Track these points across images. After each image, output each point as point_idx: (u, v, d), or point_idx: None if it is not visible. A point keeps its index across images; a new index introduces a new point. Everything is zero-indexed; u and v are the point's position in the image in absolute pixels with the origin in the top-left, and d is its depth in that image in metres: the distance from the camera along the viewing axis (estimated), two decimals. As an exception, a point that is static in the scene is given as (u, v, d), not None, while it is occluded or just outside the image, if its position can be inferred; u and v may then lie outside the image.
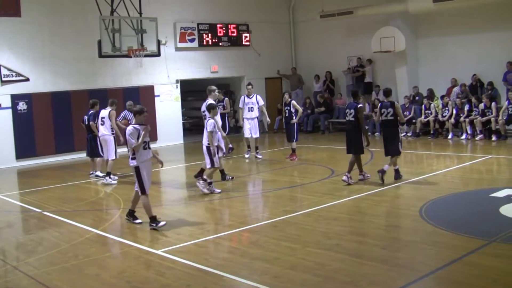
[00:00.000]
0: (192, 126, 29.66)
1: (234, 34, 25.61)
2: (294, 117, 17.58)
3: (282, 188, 13.77)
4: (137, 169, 10.32)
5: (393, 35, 22.49)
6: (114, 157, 15.71)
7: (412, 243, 9.04)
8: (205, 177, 13.36)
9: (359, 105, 13.71)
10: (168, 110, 23.63)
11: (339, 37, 26.26)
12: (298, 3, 28.11)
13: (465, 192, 12.28)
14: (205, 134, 13.17)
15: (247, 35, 26.02)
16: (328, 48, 26.71)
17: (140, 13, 18.13)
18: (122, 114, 17.42)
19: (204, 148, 13.23)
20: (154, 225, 10.33)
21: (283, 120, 18.58)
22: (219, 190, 13.32)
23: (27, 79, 19.48)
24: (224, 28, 25.21)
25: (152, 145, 20.91)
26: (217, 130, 13.33)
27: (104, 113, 15.88)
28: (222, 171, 14.94)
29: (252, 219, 11.12)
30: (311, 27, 27.19)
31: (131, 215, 10.95)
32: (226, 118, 19.04)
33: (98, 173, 16.48)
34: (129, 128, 10.36)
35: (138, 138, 10.18)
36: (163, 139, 23.24)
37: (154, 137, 22.66)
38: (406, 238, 9.36)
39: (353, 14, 24.06)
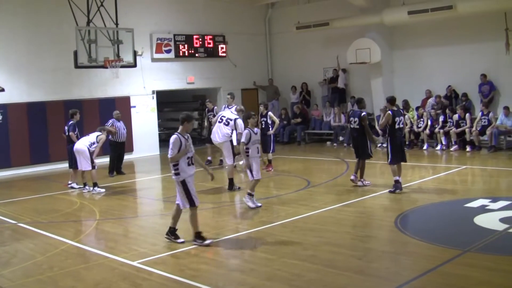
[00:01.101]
0: (168, 137, 29.59)
1: (211, 45, 25.64)
2: (270, 129, 17.65)
3: (258, 199, 13.76)
4: (183, 182, 9.79)
5: (368, 46, 22.67)
6: (90, 168, 15.61)
7: (387, 254, 9.10)
8: (249, 190, 12.68)
9: (363, 113, 14.20)
10: (144, 121, 23.55)
11: (315, 48, 26.41)
12: (274, 15, 28.26)
13: (440, 203, 12.38)
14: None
15: (224, 46, 26.06)
16: (304, 59, 26.86)
17: (117, 24, 18.10)
18: (110, 121, 17.98)
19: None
20: (200, 241, 9.83)
21: (260, 131, 18.51)
22: (260, 204, 12.75)
23: (2, 90, 19.29)
24: (200, 39, 25.24)
25: (127, 156, 21.15)
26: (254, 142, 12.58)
27: (93, 137, 15.94)
28: (231, 180, 15.22)
29: (228, 230, 11.11)
30: (287, 38, 27.34)
31: (173, 233, 10.17)
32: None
33: (74, 184, 16.38)
34: (173, 136, 9.94)
35: (179, 150, 9.78)
36: (139, 150, 23.16)
37: (130, 148, 22.59)
38: (382, 248, 9.41)
39: (329, 25, 24.20)
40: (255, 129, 12.62)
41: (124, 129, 18.51)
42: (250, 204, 12.59)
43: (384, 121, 13.58)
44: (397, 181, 13.34)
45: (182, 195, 9.86)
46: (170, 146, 9.85)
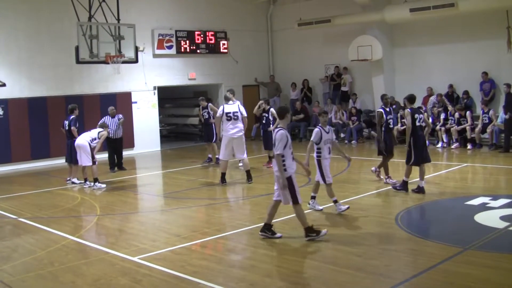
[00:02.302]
0: (170, 133, 29.67)
1: (212, 42, 25.64)
2: (271, 125, 17.63)
3: (259, 196, 13.79)
4: (289, 179, 9.60)
5: (370, 44, 22.67)
6: (90, 164, 15.62)
7: (388, 251, 9.09)
8: (335, 198, 11.63)
9: (378, 110, 14.00)
10: (146, 117, 23.57)
11: (316, 45, 26.40)
12: (276, 12, 28.25)
13: (440, 200, 12.38)
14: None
15: (225, 42, 26.07)
16: (305, 56, 26.85)
17: (118, 20, 18.09)
18: (103, 118, 17.98)
19: (315, 160, 11.71)
20: (314, 235, 9.56)
21: (261, 127, 18.50)
22: (321, 207, 11.86)
23: (4, 85, 19.26)
24: (202, 36, 25.24)
25: (128, 152, 21.16)
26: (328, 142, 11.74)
27: (95, 133, 15.99)
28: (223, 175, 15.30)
29: (229, 226, 11.12)
30: (289, 35, 27.33)
31: (269, 229, 9.91)
32: (213, 125, 19.09)
33: (75, 180, 16.40)
34: (280, 132, 9.59)
35: (285, 146, 9.58)
36: (140, 146, 23.18)
37: (131, 144, 22.61)
38: (382, 245, 9.40)
39: (330, 22, 24.20)
40: (327, 127, 11.73)
41: (115, 125, 18.28)
42: (342, 208, 11.50)
43: (409, 119, 12.92)
44: (405, 182, 13.06)
45: (286, 192, 9.65)
46: (277, 142, 9.56)
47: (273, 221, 10.05)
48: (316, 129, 11.62)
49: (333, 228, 10.47)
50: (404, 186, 13.09)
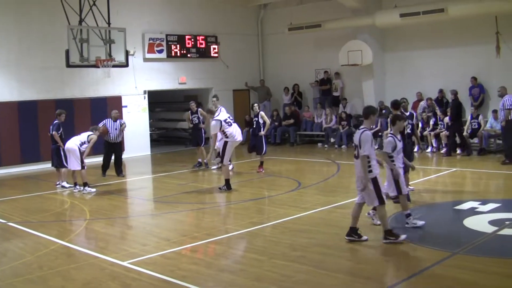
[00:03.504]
0: (160, 137, 29.65)
1: (203, 46, 25.64)
2: (262, 129, 17.64)
3: (249, 200, 13.80)
4: (375, 180, 9.44)
5: (360, 48, 22.72)
6: (79, 168, 15.58)
7: (377, 255, 9.13)
8: (408, 212, 10.75)
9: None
10: (136, 121, 23.49)
11: (307, 50, 26.44)
12: (267, 16, 28.29)
13: (430, 205, 12.43)
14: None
15: (216, 46, 26.07)
16: (296, 60, 26.88)
17: (109, 23, 18.05)
18: (103, 121, 17.85)
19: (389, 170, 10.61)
20: (393, 238, 9.40)
21: (251, 131, 18.46)
22: (422, 222, 10.49)
23: (-7, 88, 19.23)
24: (192, 40, 25.24)
25: (119, 156, 20.70)
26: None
27: (84, 137, 15.91)
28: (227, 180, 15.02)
29: (219, 230, 11.11)
30: (280, 39, 27.36)
31: (355, 233, 9.68)
32: (202, 130, 19.13)
33: (64, 183, 16.37)
34: (365, 133, 9.38)
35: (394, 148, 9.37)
36: (131, 150, 23.11)
37: (121, 148, 22.55)
38: (371, 250, 9.42)
39: (321, 27, 24.26)
40: (399, 136, 10.89)
41: (116, 129, 18.04)
42: (417, 222, 10.49)
43: (396, 128, 11.85)
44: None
45: (371, 193, 9.54)
46: (362, 143, 9.36)
47: (265, 224, 10.05)
48: (390, 138, 10.66)
49: (323, 232, 10.49)
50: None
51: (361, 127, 9.66)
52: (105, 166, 18.50)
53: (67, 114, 17.01)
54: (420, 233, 10.08)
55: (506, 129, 17.84)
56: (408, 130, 12.99)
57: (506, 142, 18.04)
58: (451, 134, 19.89)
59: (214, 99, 17.10)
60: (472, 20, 20.62)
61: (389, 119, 11.81)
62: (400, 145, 10.72)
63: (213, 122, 14.99)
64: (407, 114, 13.52)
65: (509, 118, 17.52)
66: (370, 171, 9.43)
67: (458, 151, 19.74)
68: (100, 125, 17.48)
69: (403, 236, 9.46)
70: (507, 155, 17.70)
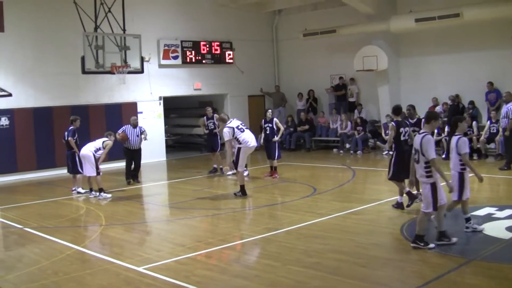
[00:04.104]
0: (175, 143, 29.70)
1: (218, 52, 25.69)
2: (276, 135, 17.65)
3: (264, 206, 13.79)
4: (434, 185, 9.30)
5: (375, 54, 22.68)
6: (94, 174, 15.61)
7: (392, 261, 9.08)
8: (468, 215, 10.54)
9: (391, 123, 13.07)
10: (151, 127, 23.49)
11: (322, 55, 26.42)
12: (282, 22, 28.30)
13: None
14: (454, 158, 10.31)
15: (231, 52, 26.11)
16: (311, 66, 26.86)
17: (124, 30, 18.14)
18: (123, 128, 17.77)
19: (456, 173, 10.26)
20: (422, 244, 9.34)
21: (264, 137, 18.36)
22: (482, 227, 10.38)
23: (10, 95, 19.30)
24: (207, 46, 25.30)
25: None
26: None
27: (99, 143, 15.90)
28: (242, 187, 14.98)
29: (233, 236, 11.11)
30: (294, 45, 27.36)
31: (421, 240, 9.43)
32: (218, 135, 19.16)
33: (80, 189, 16.43)
34: (427, 137, 9.29)
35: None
36: (146, 156, 22.95)
37: (136, 154, 22.63)
38: (386, 256, 9.39)
39: (336, 33, 24.25)
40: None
41: (137, 136, 17.92)
42: (477, 227, 10.37)
43: (391, 134, 12.48)
44: (406, 198, 12.42)
45: (428, 198, 9.41)
46: (427, 147, 9.25)
47: (280, 230, 10.01)
48: (465, 139, 10.26)
49: (338, 238, 10.45)
50: (399, 204, 12.46)
51: (422, 131, 9.62)
52: (128, 173, 18.25)
53: (82, 120, 17.08)
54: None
55: (509, 139, 17.74)
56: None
57: (509, 152, 17.94)
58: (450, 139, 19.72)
59: (223, 114, 17.11)
60: (487, 25, 20.52)
61: (422, 119, 11.45)
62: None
63: (225, 129, 14.94)
64: (414, 121, 13.45)
65: None
66: (430, 176, 9.33)
67: (475, 156, 19.60)
68: (120, 131, 17.44)
69: (432, 245, 9.37)
70: (507, 163, 17.58)
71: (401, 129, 12.31)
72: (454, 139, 10.09)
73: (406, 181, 12.08)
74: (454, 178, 10.24)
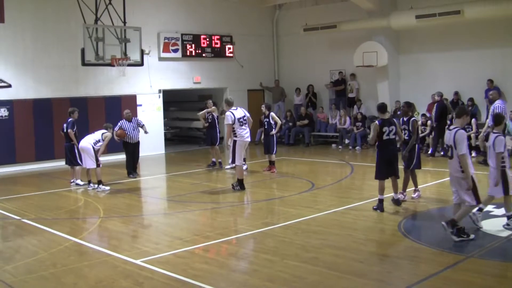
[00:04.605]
0: (174, 136, 29.70)
1: (218, 46, 25.68)
2: (273, 129, 17.67)
3: (262, 201, 13.80)
4: (472, 178, 9.43)
5: (375, 50, 22.69)
6: (94, 166, 15.61)
7: (390, 258, 9.10)
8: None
9: (412, 119, 12.87)
10: (150, 120, 23.47)
11: (322, 51, 26.43)
12: (282, 16, 28.28)
13: (443, 207, 12.35)
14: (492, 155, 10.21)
15: (231, 46, 26.10)
16: (311, 61, 26.88)
17: (124, 22, 18.13)
18: (118, 124, 17.42)
19: (494, 171, 10.18)
20: (465, 236, 9.44)
21: (264, 132, 18.42)
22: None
23: (9, 86, 19.29)
24: (207, 39, 25.28)
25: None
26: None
27: (98, 135, 15.85)
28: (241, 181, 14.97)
29: (231, 230, 11.13)
30: (295, 40, 27.36)
31: (463, 232, 9.48)
32: (217, 129, 19.16)
33: (79, 181, 16.44)
34: (460, 131, 9.34)
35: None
36: (145, 149, 22.99)
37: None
38: (384, 252, 9.41)
39: (336, 28, 24.25)
40: None
41: (134, 129, 17.66)
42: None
43: (373, 134, 12.13)
44: (381, 200, 11.99)
45: (470, 192, 9.50)
46: (459, 142, 9.34)
47: (278, 225, 10.03)
48: (502, 137, 10.14)
49: (335, 234, 10.46)
50: (379, 205, 12.09)
51: (453, 126, 9.63)
52: (129, 167, 18.05)
53: (81, 113, 17.05)
54: (434, 236, 10.04)
55: None
56: (406, 137, 12.75)
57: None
58: (435, 136, 20.26)
59: (230, 97, 16.96)
60: (488, 22, 20.52)
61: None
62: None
63: (228, 113, 14.82)
64: (406, 119, 12.96)
65: None
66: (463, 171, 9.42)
67: (473, 154, 19.60)
68: (116, 129, 17.13)
69: (472, 236, 9.52)
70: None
71: (385, 128, 11.93)
72: (492, 136, 10.08)
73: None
74: (492, 175, 10.22)
